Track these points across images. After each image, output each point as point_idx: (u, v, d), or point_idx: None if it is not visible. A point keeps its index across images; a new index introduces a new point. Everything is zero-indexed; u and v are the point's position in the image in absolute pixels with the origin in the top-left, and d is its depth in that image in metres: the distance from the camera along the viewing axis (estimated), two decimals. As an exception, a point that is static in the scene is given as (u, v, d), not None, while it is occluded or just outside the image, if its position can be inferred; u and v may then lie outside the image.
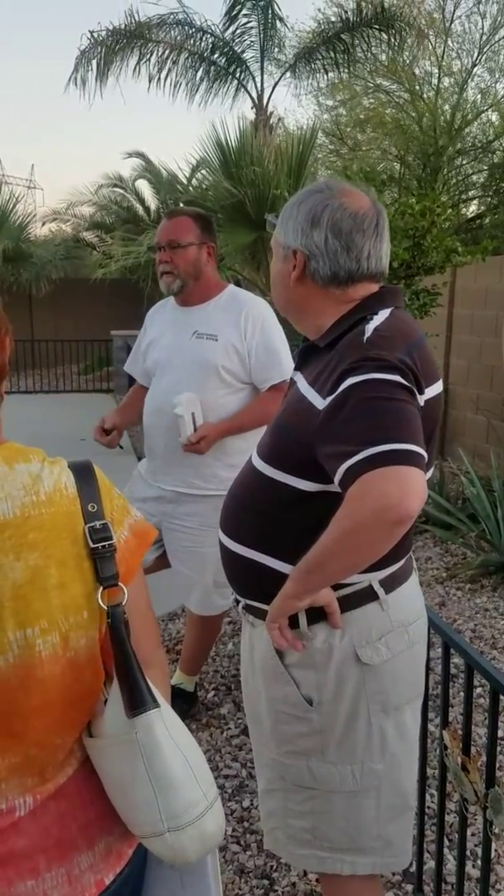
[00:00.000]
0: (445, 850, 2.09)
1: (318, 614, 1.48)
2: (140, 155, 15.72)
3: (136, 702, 0.95)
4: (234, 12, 12.11)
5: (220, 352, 2.67)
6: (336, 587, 1.47)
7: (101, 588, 0.94)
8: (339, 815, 1.56)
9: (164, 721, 0.96)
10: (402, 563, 1.56)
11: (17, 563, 0.88)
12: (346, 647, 1.50)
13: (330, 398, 1.36)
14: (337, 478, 1.29)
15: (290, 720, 1.55)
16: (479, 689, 2.96)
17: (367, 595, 1.50)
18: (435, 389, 1.48)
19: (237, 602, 1.67)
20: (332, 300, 1.53)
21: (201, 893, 1.11)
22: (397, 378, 1.31)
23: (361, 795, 1.55)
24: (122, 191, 16.20)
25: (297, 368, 1.61)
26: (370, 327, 1.42)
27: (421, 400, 1.37)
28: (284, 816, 1.62)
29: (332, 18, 12.59)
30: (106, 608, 0.95)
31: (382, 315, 1.46)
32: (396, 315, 1.49)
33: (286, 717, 1.56)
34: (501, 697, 1.65)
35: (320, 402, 1.39)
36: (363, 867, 1.59)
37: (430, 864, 2.15)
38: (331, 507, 1.31)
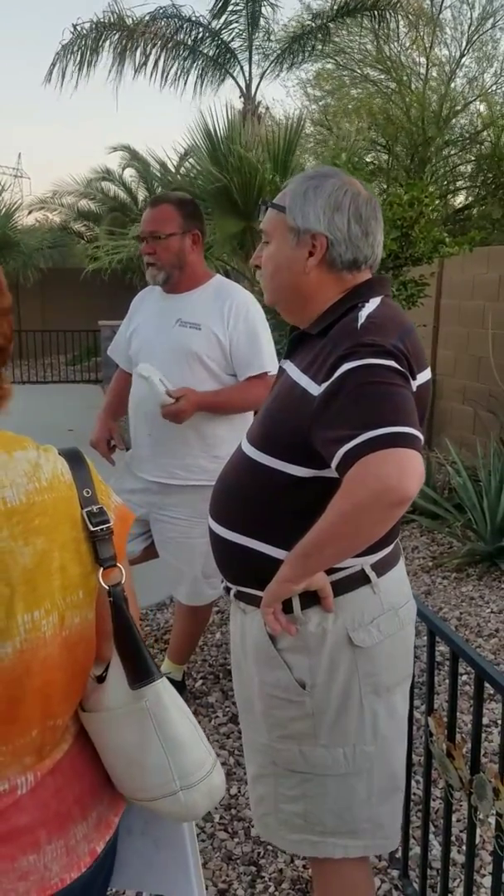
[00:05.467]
0: (431, 836, 2.11)
1: (311, 599, 1.50)
2: (125, 148, 15.68)
3: (143, 673, 1.01)
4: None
5: (202, 340, 2.66)
6: (329, 572, 1.49)
7: (101, 569, 0.98)
8: (331, 799, 1.58)
9: (166, 688, 1.03)
10: (391, 547, 1.59)
11: (26, 549, 0.91)
12: (338, 631, 1.52)
13: (325, 384, 1.37)
14: (335, 462, 1.30)
15: (283, 704, 1.57)
16: (464, 677, 2.98)
17: (360, 579, 1.53)
18: (425, 376, 1.51)
19: (227, 590, 1.67)
20: (339, 286, 1.54)
21: (176, 854, 1.16)
22: (392, 363, 1.33)
23: (353, 778, 1.57)
24: (109, 183, 16.13)
25: (286, 357, 1.62)
26: (363, 314, 1.44)
27: (413, 385, 1.39)
28: (276, 802, 1.63)
29: (321, 5, 12.55)
30: (107, 588, 0.99)
31: (374, 303, 1.48)
32: (386, 303, 1.51)
33: (278, 701, 1.57)
34: (486, 685, 1.66)
35: (315, 389, 1.41)
36: (355, 850, 1.61)
37: (416, 849, 2.17)
38: (323, 493, 1.34)
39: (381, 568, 1.55)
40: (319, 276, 1.53)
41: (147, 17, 12.04)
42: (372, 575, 1.53)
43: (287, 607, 1.50)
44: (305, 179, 1.54)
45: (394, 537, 1.59)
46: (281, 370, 1.62)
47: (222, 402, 2.67)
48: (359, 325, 1.42)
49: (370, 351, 1.34)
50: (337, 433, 1.30)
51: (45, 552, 0.92)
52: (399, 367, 1.34)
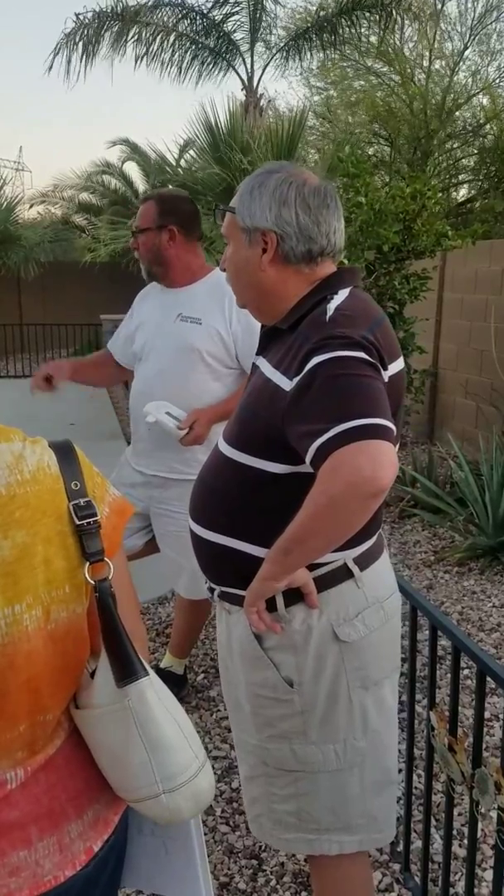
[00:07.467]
0: (432, 830, 2.11)
1: (294, 596, 1.49)
2: (125, 142, 15.63)
3: (128, 671, 0.98)
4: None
5: (203, 336, 2.66)
6: (311, 567, 1.48)
7: (87, 563, 0.96)
8: (324, 795, 1.57)
9: (153, 687, 1.00)
10: (373, 539, 1.58)
11: (4, 542, 0.89)
12: (324, 627, 1.51)
13: (297, 378, 1.36)
14: (308, 456, 1.30)
15: (271, 704, 1.56)
16: (465, 671, 2.98)
17: (343, 573, 1.52)
18: (397, 366, 1.50)
19: (212, 591, 1.66)
20: (301, 280, 1.52)
21: (186, 859, 1.14)
22: (362, 355, 1.33)
23: (345, 773, 1.56)
24: (110, 176, 16.11)
25: (258, 353, 1.61)
26: (332, 306, 1.43)
27: (385, 376, 1.39)
28: (269, 802, 1.62)
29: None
30: (93, 583, 0.97)
31: (343, 294, 1.47)
32: (356, 294, 1.50)
33: (267, 700, 1.56)
34: (488, 679, 1.66)
35: (287, 384, 1.40)
36: (350, 845, 1.60)
37: (417, 843, 2.17)
38: (300, 489, 1.32)
39: (364, 561, 1.55)
40: (277, 272, 1.52)
41: (149, 3, 12.00)
42: (355, 569, 1.52)
43: (271, 606, 1.49)
44: (252, 178, 1.54)
45: (375, 529, 1.58)
46: (254, 367, 1.61)
47: (232, 408, 2.67)
48: (327, 317, 1.41)
49: (339, 343, 1.34)
50: (310, 427, 1.30)
51: (27, 545, 0.91)
52: (369, 359, 1.33)
